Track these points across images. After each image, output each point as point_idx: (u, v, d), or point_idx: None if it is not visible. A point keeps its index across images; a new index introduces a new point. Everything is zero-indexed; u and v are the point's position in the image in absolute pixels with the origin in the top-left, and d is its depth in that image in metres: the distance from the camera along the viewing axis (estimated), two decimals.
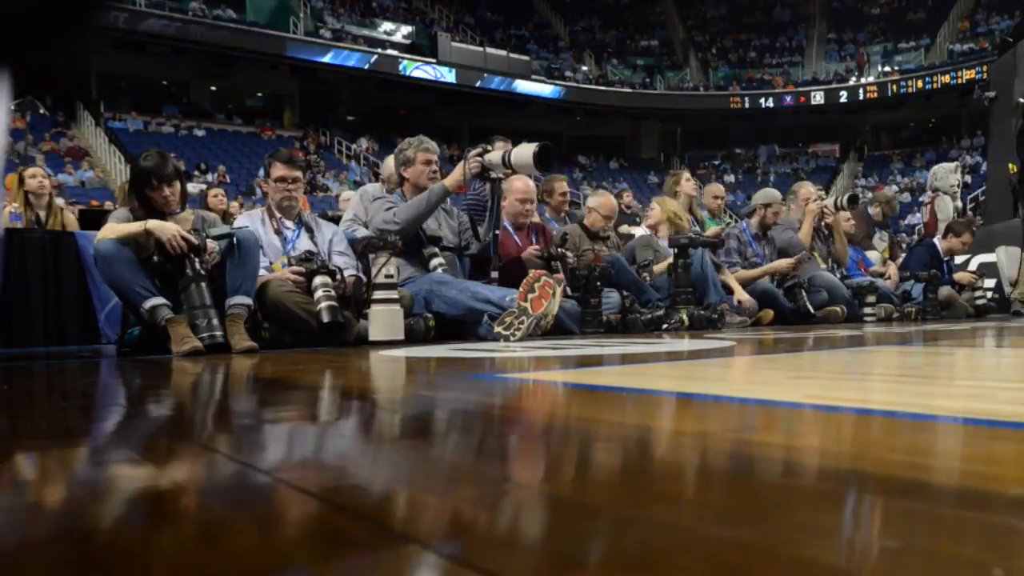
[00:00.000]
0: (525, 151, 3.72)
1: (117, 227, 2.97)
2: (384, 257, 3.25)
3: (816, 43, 30.73)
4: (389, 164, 4.53)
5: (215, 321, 2.87)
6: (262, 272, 3.28)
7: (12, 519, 0.60)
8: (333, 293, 3.15)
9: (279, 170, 3.50)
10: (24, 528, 0.57)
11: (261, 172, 4.34)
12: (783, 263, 5.11)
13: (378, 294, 3.21)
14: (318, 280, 3.16)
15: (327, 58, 22.81)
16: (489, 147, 3.93)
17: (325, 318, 3.09)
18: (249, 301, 3.06)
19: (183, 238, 2.91)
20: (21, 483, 0.75)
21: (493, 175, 3.80)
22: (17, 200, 5.14)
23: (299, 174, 3.60)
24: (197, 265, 2.91)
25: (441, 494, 0.62)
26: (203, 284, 2.90)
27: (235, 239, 3.04)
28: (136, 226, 2.94)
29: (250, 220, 3.50)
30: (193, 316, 2.86)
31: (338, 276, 3.28)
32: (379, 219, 3.74)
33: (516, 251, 4.22)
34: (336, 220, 5.64)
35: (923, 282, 5.58)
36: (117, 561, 0.48)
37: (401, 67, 23.75)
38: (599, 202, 4.84)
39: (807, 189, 5.88)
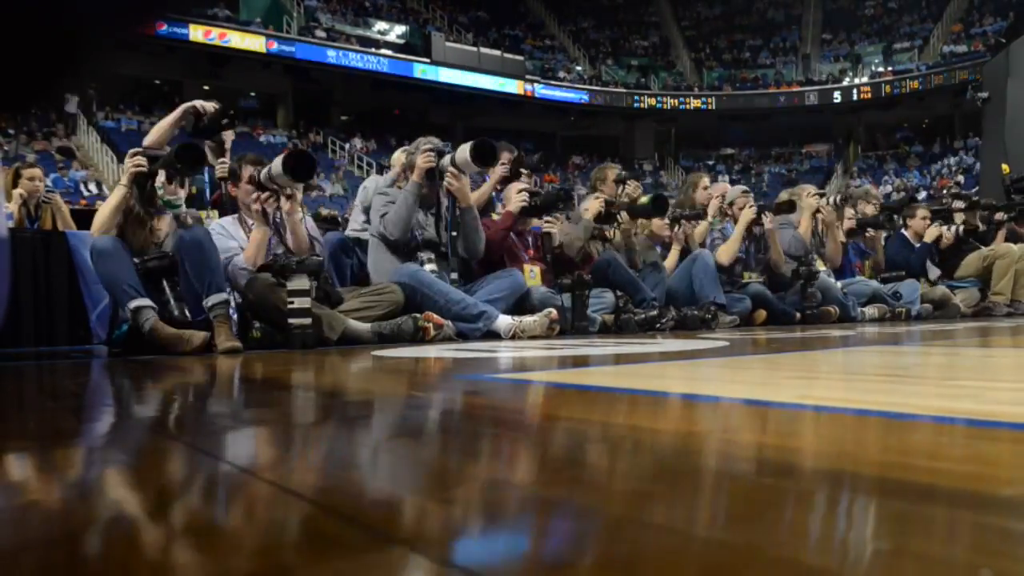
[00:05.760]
0: (462, 150, 3.75)
1: (98, 213, 3.12)
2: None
3: (810, 43, 30.83)
4: (398, 156, 4.57)
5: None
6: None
7: (2, 520, 0.59)
8: (307, 303, 3.05)
9: (250, 172, 3.44)
10: (11, 531, 0.56)
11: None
12: (748, 213, 5.05)
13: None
14: (291, 284, 3.04)
15: (330, 57, 22.84)
16: (446, 146, 3.94)
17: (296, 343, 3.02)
18: (226, 296, 3.04)
19: (138, 154, 3.09)
20: (8, 485, 0.75)
21: (445, 178, 3.81)
22: (11, 199, 5.11)
23: None
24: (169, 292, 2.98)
25: (430, 496, 0.62)
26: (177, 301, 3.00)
27: (189, 238, 3.03)
28: (111, 198, 3.10)
29: (223, 227, 3.44)
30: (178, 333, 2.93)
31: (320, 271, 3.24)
32: (376, 223, 3.78)
33: (514, 252, 4.22)
34: (331, 220, 5.62)
35: (907, 279, 5.60)
36: (104, 563, 0.47)
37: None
38: (588, 207, 4.80)
39: (810, 190, 5.89)
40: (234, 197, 3.53)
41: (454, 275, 3.85)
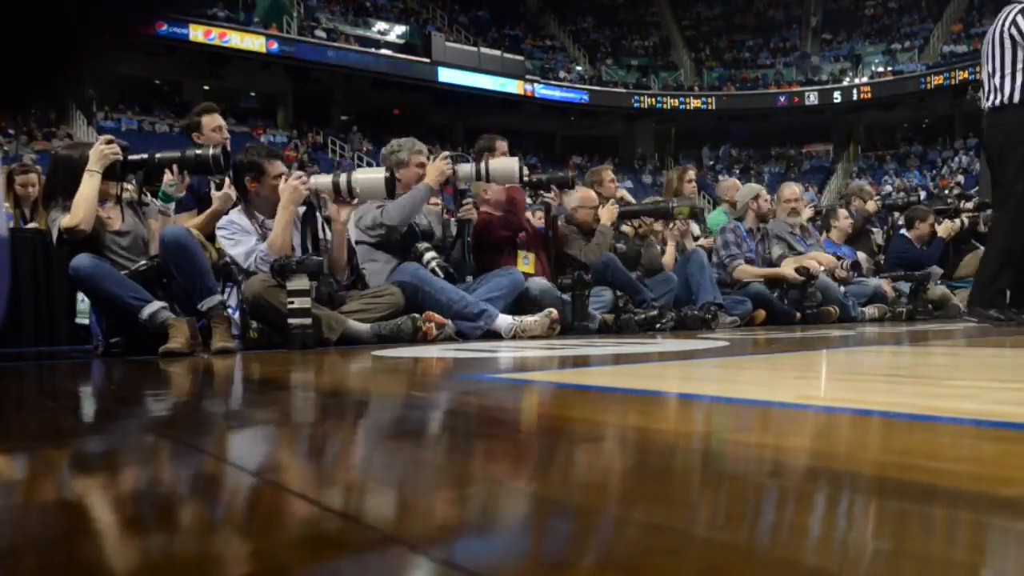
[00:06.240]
0: (510, 165, 3.83)
1: (77, 204, 2.94)
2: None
3: (810, 44, 30.82)
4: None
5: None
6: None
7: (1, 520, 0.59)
8: (307, 303, 3.04)
9: (279, 168, 3.46)
10: (11, 531, 0.56)
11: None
12: (791, 273, 5.07)
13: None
14: (291, 284, 3.02)
15: (330, 57, 22.88)
16: (466, 155, 4.01)
17: (296, 343, 3.01)
18: (221, 297, 3.04)
19: (108, 142, 3.01)
20: (9, 485, 0.75)
21: (461, 186, 3.85)
22: (8, 200, 5.11)
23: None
24: (154, 307, 2.91)
25: (429, 495, 0.62)
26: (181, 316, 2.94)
27: (169, 242, 2.98)
28: (87, 186, 2.95)
29: (232, 223, 3.39)
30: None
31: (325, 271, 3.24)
32: (368, 218, 3.76)
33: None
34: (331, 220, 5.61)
35: (913, 281, 5.58)
36: (103, 563, 0.47)
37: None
38: (579, 198, 4.79)
39: (791, 190, 5.88)
40: (253, 191, 3.44)
41: (470, 279, 3.88)
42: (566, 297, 3.99)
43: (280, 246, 3.23)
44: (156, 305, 2.89)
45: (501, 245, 4.18)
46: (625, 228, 4.96)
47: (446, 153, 3.87)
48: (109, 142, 3.05)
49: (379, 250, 3.80)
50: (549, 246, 4.44)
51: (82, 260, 2.90)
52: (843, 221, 6.03)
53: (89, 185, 2.95)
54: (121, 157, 3.05)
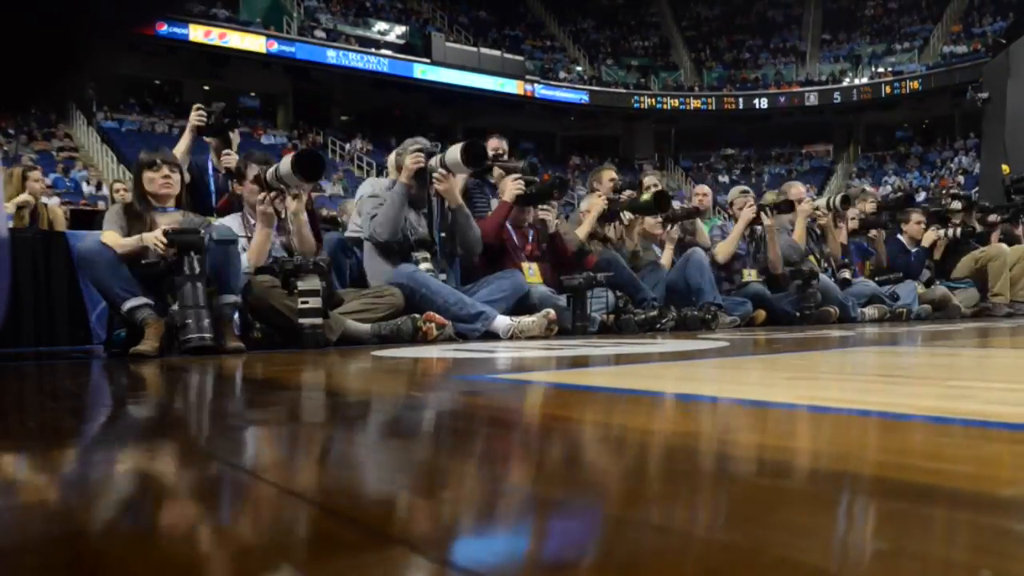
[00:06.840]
0: (453, 151, 3.73)
1: (120, 240, 2.99)
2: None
3: (810, 44, 30.83)
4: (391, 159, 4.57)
5: (205, 322, 2.82)
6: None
7: (1, 520, 0.59)
8: (319, 303, 3.03)
9: (254, 170, 3.44)
10: (11, 531, 0.56)
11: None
12: (748, 212, 5.13)
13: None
14: (302, 285, 3.02)
15: (330, 58, 22.87)
16: (436, 147, 3.94)
17: (307, 342, 3.00)
18: (236, 299, 3.04)
19: (159, 239, 2.90)
20: (9, 485, 0.75)
21: (434, 177, 3.79)
22: (16, 199, 5.17)
23: None
24: (195, 264, 2.83)
25: (429, 496, 0.62)
26: (199, 284, 2.83)
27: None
28: (132, 241, 2.97)
29: (231, 223, 3.42)
30: (184, 316, 2.81)
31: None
32: (367, 227, 3.78)
33: (513, 248, 4.24)
34: (331, 220, 5.62)
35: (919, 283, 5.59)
36: (103, 564, 0.47)
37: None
38: (591, 205, 4.80)
39: (797, 189, 5.88)
40: (239, 195, 3.53)
41: (443, 276, 3.83)
42: (563, 303, 3.99)
43: (255, 262, 3.29)
44: (139, 301, 2.88)
45: (497, 248, 4.17)
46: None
47: (415, 147, 3.80)
48: (164, 233, 2.94)
49: (377, 250, 3.80)
50: (551, 258, 4.44)
51: (87, 243, 2.95)
52: (849, 222, 6.02)
53: (130, 243, 2.99)
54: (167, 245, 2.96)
